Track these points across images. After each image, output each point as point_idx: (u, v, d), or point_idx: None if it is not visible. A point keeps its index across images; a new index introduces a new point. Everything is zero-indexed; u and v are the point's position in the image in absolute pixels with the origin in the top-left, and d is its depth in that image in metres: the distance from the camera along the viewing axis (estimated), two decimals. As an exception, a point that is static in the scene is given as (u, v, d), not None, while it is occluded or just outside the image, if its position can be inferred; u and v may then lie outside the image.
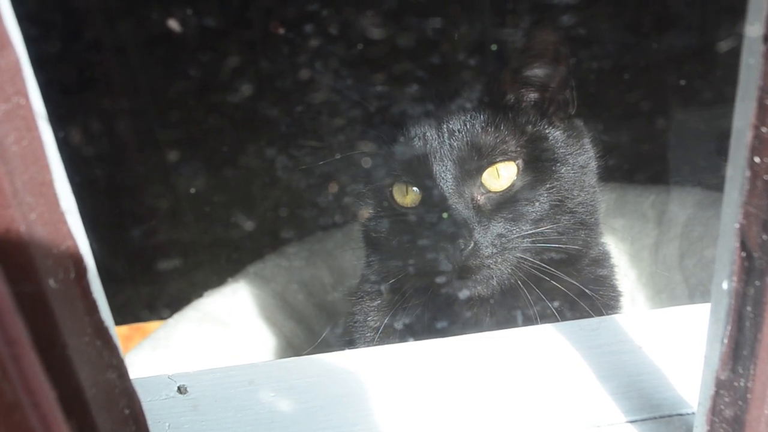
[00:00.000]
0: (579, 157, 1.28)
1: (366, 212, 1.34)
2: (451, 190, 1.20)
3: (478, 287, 1.23)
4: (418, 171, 1.23)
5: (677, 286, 1.85)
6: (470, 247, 1.16)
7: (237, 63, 1.98)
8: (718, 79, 1.79)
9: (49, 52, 1.72)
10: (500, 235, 1.19)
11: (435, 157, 1.21)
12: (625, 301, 1.43)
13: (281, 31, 1.88)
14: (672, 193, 1.98)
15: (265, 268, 2.04)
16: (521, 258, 1.21)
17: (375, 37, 1.68)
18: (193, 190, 2.25)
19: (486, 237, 1.18)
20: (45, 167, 0.54)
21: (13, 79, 0.51)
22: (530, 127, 1.26)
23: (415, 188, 1.25)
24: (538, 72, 1.25)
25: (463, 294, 1.24)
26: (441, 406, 0.91)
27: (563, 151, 1.26)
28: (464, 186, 1.21)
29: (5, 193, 0.50)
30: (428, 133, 1.23)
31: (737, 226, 0.63)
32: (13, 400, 0.49)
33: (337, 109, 1.36)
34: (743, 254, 0.64)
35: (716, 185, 1.88)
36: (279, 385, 0.96)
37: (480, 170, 1.21)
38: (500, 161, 1.22)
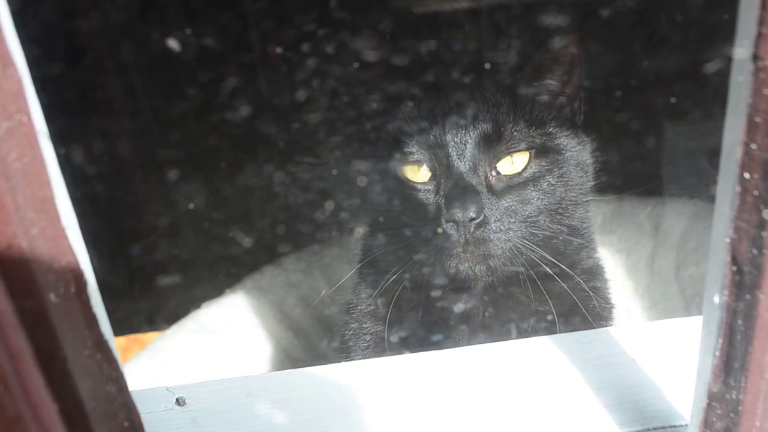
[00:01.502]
0: (581, 160, 1.32)
1: (362, 229, 1.35)
2: (467, 167, 1.23)
3: (477, 267, 1.24)
4: (434, 147, 1.25)
5: (673, 297, 1.85)
6: (480, 218, 1.18)
7: (235, 83, 1.99)
8: (708, 96, 1.81)
9: (52, 73, 1.73)
10: (507, 214, 1.22)
11: (455, 136, 1.24)
12: (619, 313, 1.44)
13: (279, 51, 1.89)
14: (667, 205, 1.99)
15: (263, 279, 2.04)
16: (520, 244, 1.23)
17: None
18: (192, 206, 2.25)
19: (494, 213, 1.21)
20: (46, 184, 0.54)
21: (15, 98, 0.51)
22: (544, 122, 1.30)
23: (425, 167, 1.27)
24: (554, 77, 1.31)
25: (462, 270, 1.24)
26: (437, 418, 0.92)
27: (569, 154, 1.30)
28: (479, 165, 1.24)
29: (7, 209, 0.50)
30: (448, 114, 1.26)
31: (728, 240, 0.64)
32: (15, 414, 0.49)
33: (334, 123, 1.37)
34: (734, 268, 0.65)
35: (711, 197, 1.89)
36: (276, 397, 0.97)
37: (498, 156, 1.25)
38: (517, 151, 1.25)
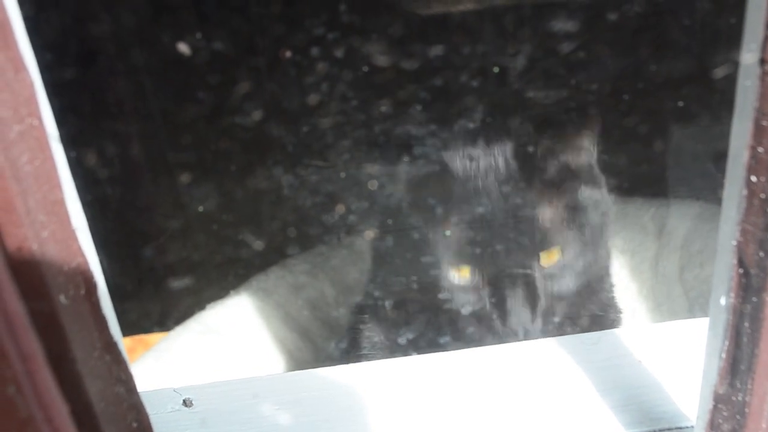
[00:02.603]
0: (605, 209, 1.30)
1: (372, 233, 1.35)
2: (511, 269, 1.19)
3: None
4: (472, 254, 1.21)
5: (677, 298, 1.85)
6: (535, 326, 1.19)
7: (245, 87, 2.00)
8: (715, 100, 1.81)
9: (63, 77, 1.75)
10: (551, 302, 1.23)
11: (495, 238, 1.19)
12: (624, 315, 1.44)
13: (288, 55, 1.90)
14: (672, 207, 1.98)
15: (268, 280, 2.04)
16: None
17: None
18: (201, 209, 2.26)
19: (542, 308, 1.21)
20: (57, 186, 0.55)
21: (27, 102, 0.52)
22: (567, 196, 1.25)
23: (468, 267, 1.23)
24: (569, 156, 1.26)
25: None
26: (444, 419, 0.92)
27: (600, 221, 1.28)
28: (524, 264, 1.20)
29: (18, 211, 0.51)
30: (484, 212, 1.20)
31: (734, 243, 0.64)
32: (27, 415, 0.49)
33: (342, 130, 1.38)
34: (741, 271, 0.65)
35: (716, 200, 1.89)
36: (283, 398, 0.97)
37: (538, 253, 1.21)
38: (554, 247, 1.22)
